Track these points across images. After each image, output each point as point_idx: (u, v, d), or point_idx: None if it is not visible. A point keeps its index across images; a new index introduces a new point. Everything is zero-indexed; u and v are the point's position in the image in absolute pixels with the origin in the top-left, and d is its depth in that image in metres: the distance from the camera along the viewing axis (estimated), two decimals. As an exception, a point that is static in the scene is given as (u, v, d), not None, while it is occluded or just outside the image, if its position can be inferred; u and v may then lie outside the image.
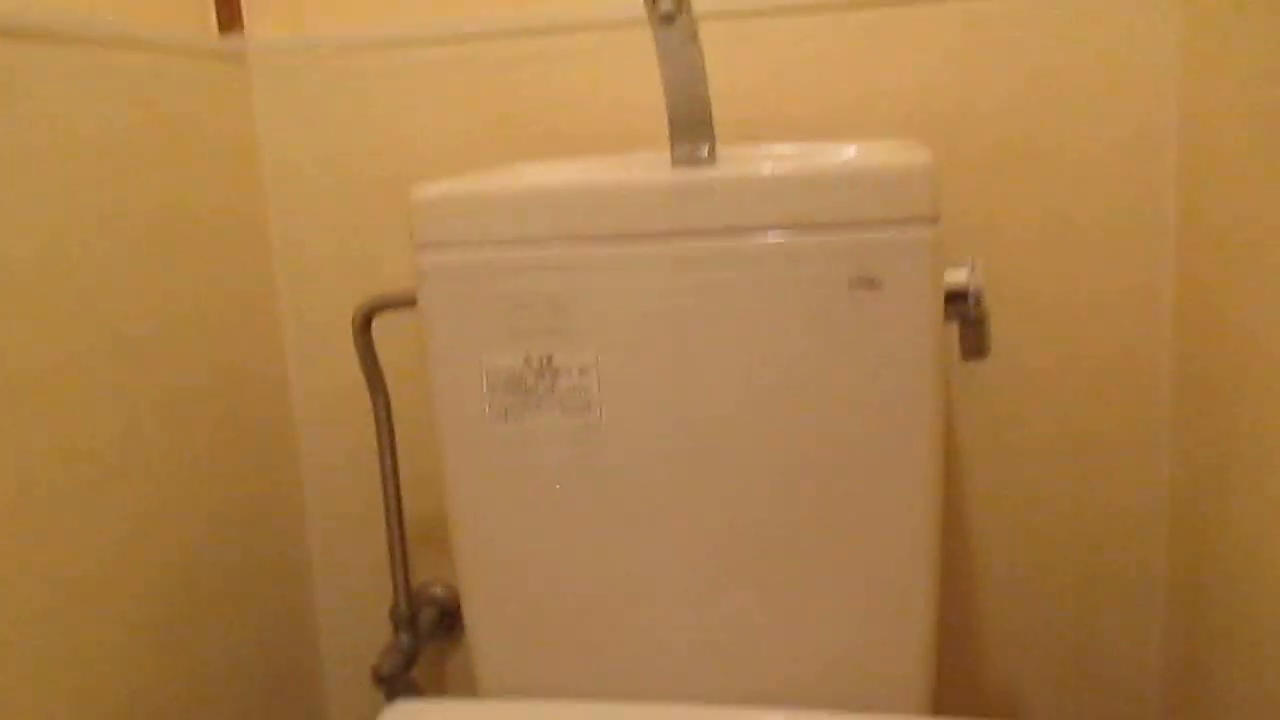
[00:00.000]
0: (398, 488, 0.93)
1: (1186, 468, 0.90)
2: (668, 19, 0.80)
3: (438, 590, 1.01)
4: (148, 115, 0.86)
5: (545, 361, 0.74)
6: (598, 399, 0.74)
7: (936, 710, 0.77)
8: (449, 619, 1.01)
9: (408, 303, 0.88)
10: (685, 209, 0.72)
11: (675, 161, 0.84)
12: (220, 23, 0.99)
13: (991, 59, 0.90)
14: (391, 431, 0.92)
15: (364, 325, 0.91)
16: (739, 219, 0.72)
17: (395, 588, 0.95)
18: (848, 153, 0.79)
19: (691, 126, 0.84)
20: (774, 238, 0.71)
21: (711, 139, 0.84)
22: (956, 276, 0.75)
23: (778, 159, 0.79)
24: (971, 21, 0.89)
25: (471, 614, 0.79)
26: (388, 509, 0.93)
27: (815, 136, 0.93)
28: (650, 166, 0.87)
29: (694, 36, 0.81)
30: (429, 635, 1.00)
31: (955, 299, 0.75)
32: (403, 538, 0.94)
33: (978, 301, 0.75)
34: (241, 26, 0.99)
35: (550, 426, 0.75)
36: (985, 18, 0.89)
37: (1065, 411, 0.94)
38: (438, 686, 1.05)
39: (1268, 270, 0.72)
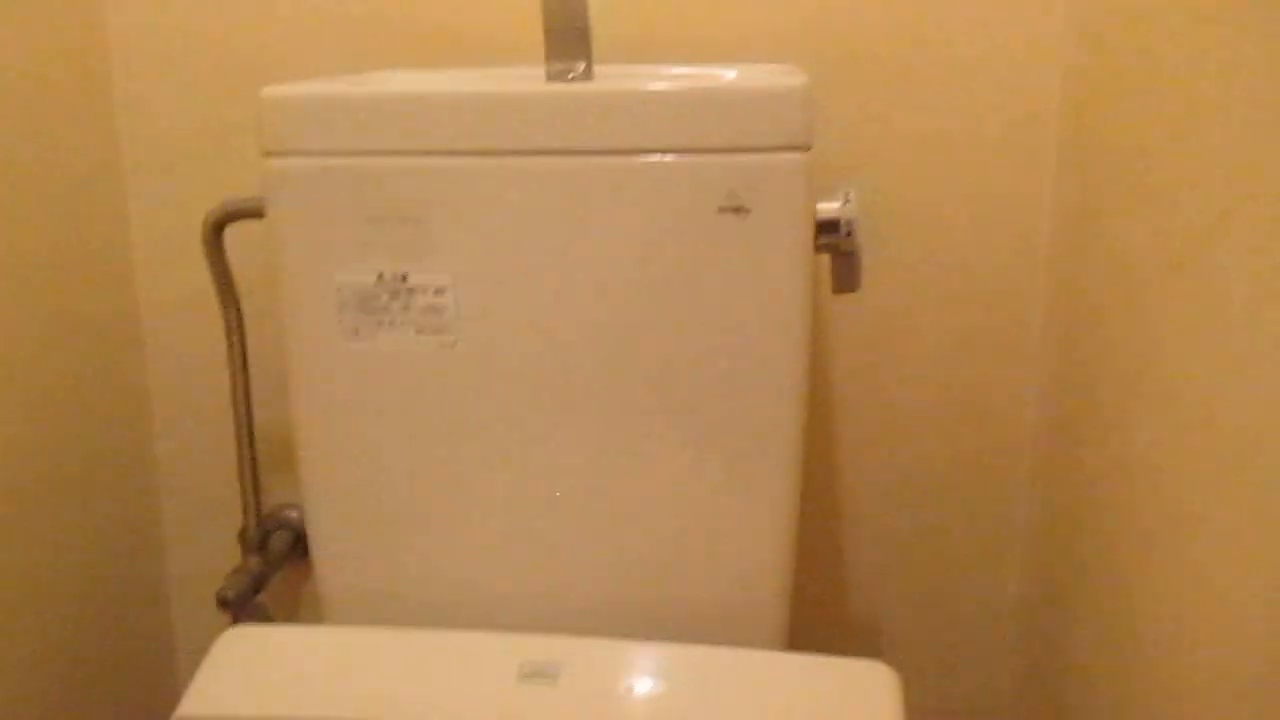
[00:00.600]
0: (249, 404, 0.89)
1: (1055, 406, 0.91)
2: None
3: (293, 514, 0.98)
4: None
5: (400, 279, 0.71)
6: (454, 320, 0.71)
7: (793, 646, 0.78)
8: (304, 544, 0.98)
9: (261, 212, 0.83)
10: (552, 125, 0.69)
11: (550, 78, 0.81)
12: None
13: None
14: (243, 346, 0.88)
15: (215, 233, 0.86)
16: (608, 138, 0.69)
17: (245, 509, 0.92)
18: (723, 76, 0.77)
19: (567, 41, 0.80)
20: (643, 159, 0.68)
21: (588, 55, 0.81)
22: (830, 207, 0.74)
23: (652, 78, 0.76)
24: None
25: (316, 537, 0.76)
26: (238, 426, 0.89)
27: (695, 57, 0.89)
28: (522, 81, 0.84)
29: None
30: (282, 559, 0.96)
31: (827, 229, 0.74)
32: (253, 457, 0.91)
33: (849, 233, 0.74)
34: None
35: (403, 347, 0.71)
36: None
37: (937, 345, 0.94)
38: (292, 611, 1.02)
39: (1145, 196, 0.72)
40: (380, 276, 0.71)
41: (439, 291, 0.70)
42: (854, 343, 0.94)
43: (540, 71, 0.82)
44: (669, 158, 0.68)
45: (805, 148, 0.68)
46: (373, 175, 0.70)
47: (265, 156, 0.71)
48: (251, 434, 0.90)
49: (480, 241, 0.70)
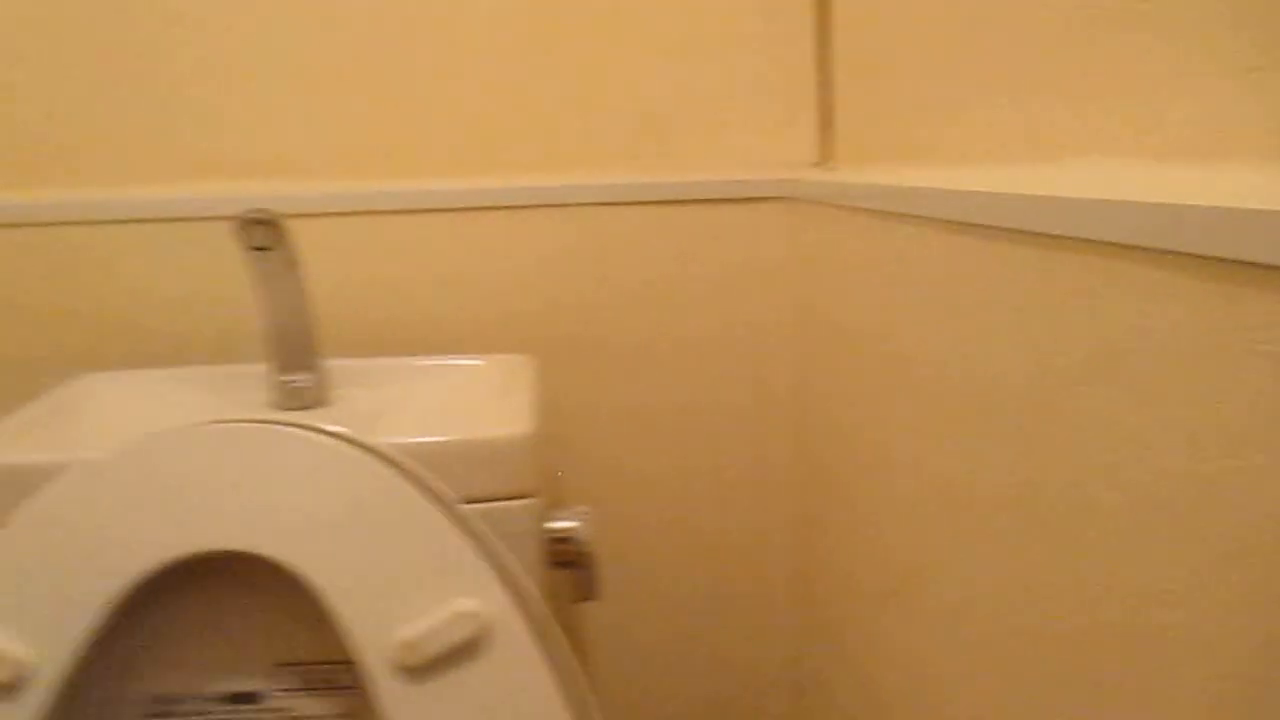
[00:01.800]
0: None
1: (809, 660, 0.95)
2: (262, 249, 0.75)
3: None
4: None
5: None
6: None
7: None
8: None
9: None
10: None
11: (278, 395, 0.79)
12: None
13: (612, 264, 0.90)
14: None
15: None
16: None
17: None
18: (452, 409, 0.77)
19: (292, 357, 0.79)
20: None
21: (315, 368, 0.80)
22: (563, 525, 0.75)
23: (378, 415, 0.76)
24: (594, 226, 0.89)
25: None
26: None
27: (429, 347, 0.90)
28: (245, 394, 0.82)
29: (293, 265, 0.77)
30: None
31: (559, 543, 0.75)
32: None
33: (583, 552, 0.75)
34: None
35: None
36: (607, 224, 0.90)
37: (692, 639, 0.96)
38: None
39: (875, 454, 0.77)
40: None
41: None
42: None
43: (264, 371, 0.81)
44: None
45: (534, 494, 0.69)
46: None
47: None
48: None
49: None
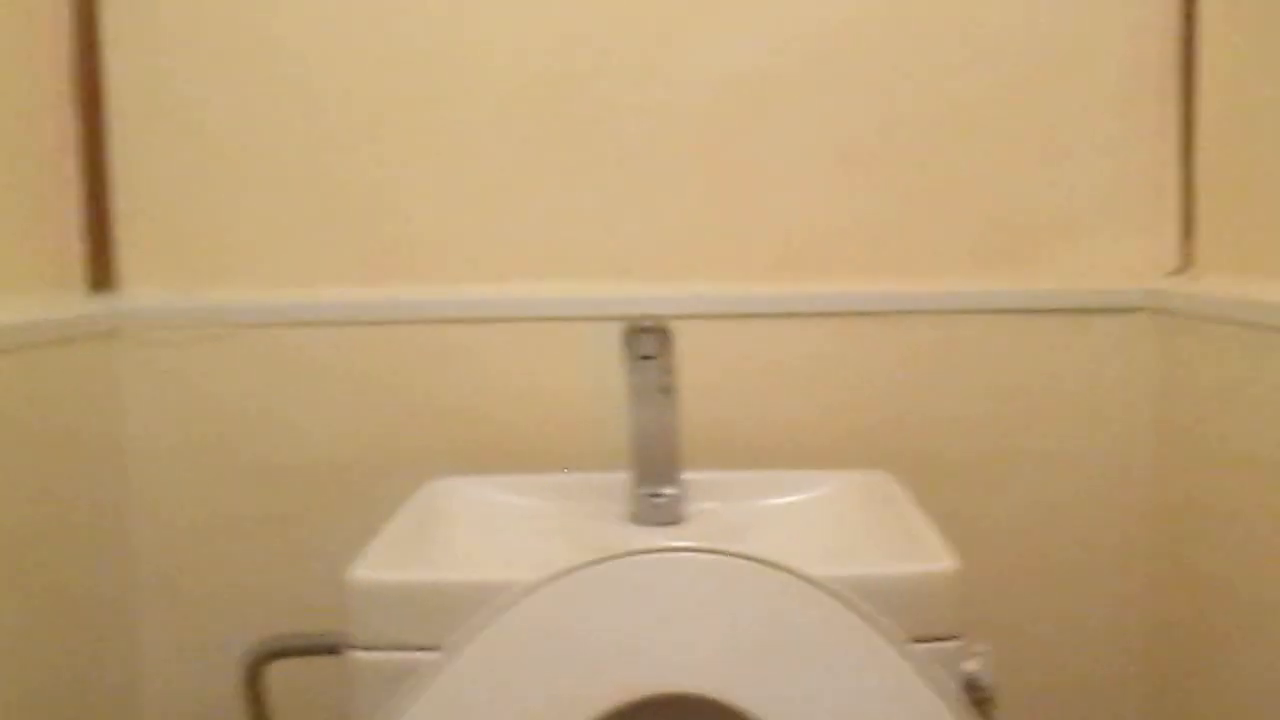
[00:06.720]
0: None
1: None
2: (647, 357, 0.72)
3: None
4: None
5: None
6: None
7: None
8: None
9: (318, 650, 0.74)
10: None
11: (638, 508, 0.75)
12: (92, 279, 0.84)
13: (963, 374, 0.84)
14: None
15: (254, 673, 0.76)
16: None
17: None
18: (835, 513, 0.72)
19: (656, 470, 0.75)
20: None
21: (677, 482, 0.75)
22: (973, 665, 0.68)
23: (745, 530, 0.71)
24: (944, 336, 0.84)
25: None
26: None
27: (781, 461, 0.84)
28: (605, 508, 0.78)
29: (671, 375, 0.73)
30: None
31: (971, 689, 0.67)
32: None
33: (987, 698, 0.68)
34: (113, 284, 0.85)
35: None
36: (956, 333, 0.84)
37: None
38: None
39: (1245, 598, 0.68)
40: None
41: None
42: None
43: (622, 483, 0.77)
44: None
45: (960, 635, 0.62)
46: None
47: (353, 641, 0.62)
48: None
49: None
